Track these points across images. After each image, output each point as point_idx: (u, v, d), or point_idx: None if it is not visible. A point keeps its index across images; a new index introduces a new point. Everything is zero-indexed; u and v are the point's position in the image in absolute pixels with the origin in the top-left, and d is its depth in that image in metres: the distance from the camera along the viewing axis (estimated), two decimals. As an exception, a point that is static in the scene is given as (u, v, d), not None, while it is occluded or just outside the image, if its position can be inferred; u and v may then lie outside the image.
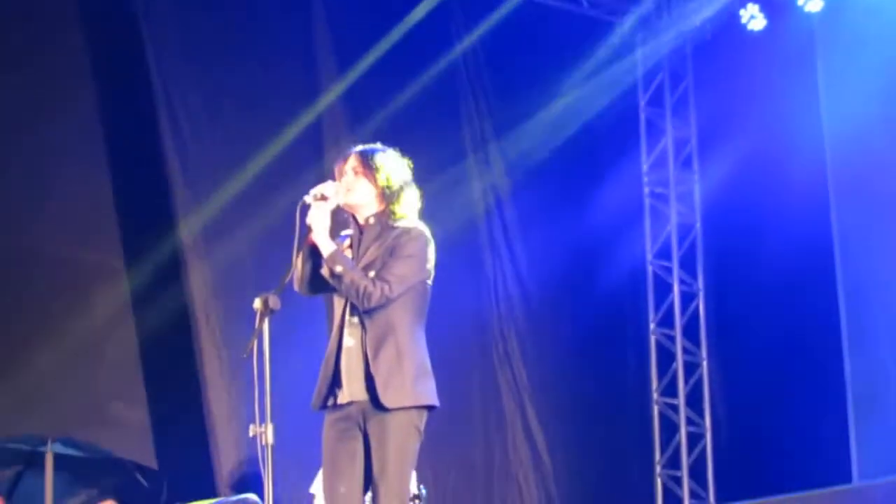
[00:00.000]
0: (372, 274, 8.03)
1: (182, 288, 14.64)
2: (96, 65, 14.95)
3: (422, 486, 10.54)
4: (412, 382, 8.05)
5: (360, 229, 8.39)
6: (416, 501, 10.02)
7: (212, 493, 11.75)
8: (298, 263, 8.27)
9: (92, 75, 14.92)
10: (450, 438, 13.94)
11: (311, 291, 8.40)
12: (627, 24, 17.13)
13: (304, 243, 8.20)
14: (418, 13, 15.68)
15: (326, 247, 8.07)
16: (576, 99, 16.69)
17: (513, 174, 16.50)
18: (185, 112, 14.99)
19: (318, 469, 8.97)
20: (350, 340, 8.15)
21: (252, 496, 8.00)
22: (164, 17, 15.05)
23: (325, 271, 8.13)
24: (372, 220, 8.33)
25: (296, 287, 8.37)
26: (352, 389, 8.07)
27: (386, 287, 7.96)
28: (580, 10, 16.80)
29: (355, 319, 8.14)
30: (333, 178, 8.46)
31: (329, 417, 8.19)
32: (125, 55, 14.96)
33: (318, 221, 8.14)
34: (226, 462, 13.54)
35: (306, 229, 8.17)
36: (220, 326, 14.07)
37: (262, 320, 8.25)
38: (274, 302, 8.24)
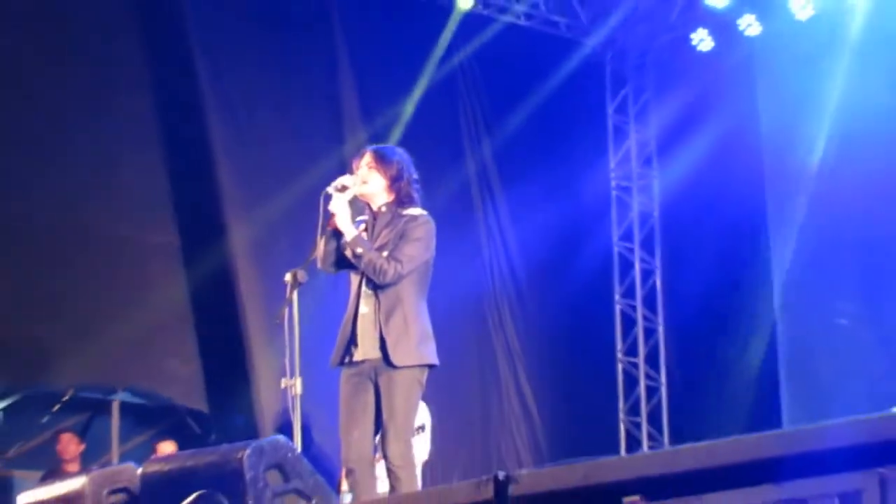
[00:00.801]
0: (385, 254, 8.16)
1: (228, 261, 14.63)
2: (154, 69, 14.91)
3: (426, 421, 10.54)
4: (416, 345, 8.21)
5: (374, 216, 8.50)
6: (420, 431, 9.95)
7: (254, 436, 11.66)
8: (322, 245, 8.38)
9: (149, 78, 14.91)
10: (453, 393, 13.99)
11: (333, 269, 8.46)
12: (598, 45, 17.06)
13: (328, 228, 8.29)
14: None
15: (349, 231, 8.21)
16: (554, 109, 16.61)
17: (503, 173, 16.62)
18: (230, 113, 15.02)
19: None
20: (365, 308, 8.24)
21: (281, 437, 7.81)
22: (216, 34, 15.07)
23: (347, 252, 8.17)
24: (384, 209, 8.45)
25: (319, 265, 8.44)
26: (365, 349, 8.20)
27: (399, 265, 8.12)
28: (558, 33, 16.71)
29: (369, 291, 8.24)
30: (351, 172, 8.50)
31: (345, 373, 8.29)
32: (179, 63, 14.87)
33: (341, 209, 8.24)
34: (266, 409, 13.49)
35: (329, 214, 8.26)
36: (261, 294, 13.96)
37: (291, 291, 8.50)
38: (301, 276, 8.50)
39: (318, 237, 8.31)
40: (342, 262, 8.33)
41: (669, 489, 5.56)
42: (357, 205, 8.46)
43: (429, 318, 8.39)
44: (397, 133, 14.44)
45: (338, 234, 8.23)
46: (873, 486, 5.05)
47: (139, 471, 7.62)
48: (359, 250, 8.08)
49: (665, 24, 16.72)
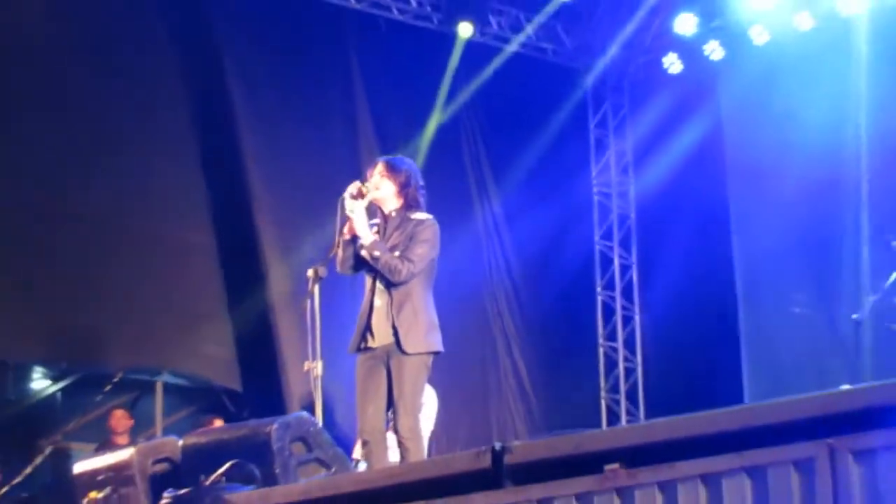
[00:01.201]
0: (396, 254, 8.20)
1: (258, 258, 14.65)
2: (192, 90, 14.90)
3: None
4: (424, 335, 8.26)
5: (385, 219, 8.47)
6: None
7: (281, 412, 11.67)
8: (340, 252, 8.42)
9: (188, 97, 14.89)
10: (457, 373, 13.92)
11: (351, 271, 8.46)
12: (581, 68, 17.05)
13: (346, 233, 8.30)
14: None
15: (366, 236, 8.22)
16: (543, 124, 16.63)
17: (499, 181, 16.57)
18: (252, 116, 14.96)
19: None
20: (378, 302, 8.26)
21: (305, 413, 7.86)
22: (246, 59, 15.05)
23: (364, 254, 8.18)
24: (394, 214, 8.45)
25: (338, 269, 8.47)
26: (380, 337, 8.20)
27: (411, 265, 8.17)
28: (546, 59, 16.73)
29: (382, 287, 8.27)
30: (365, 180, 8.47)
31: (361, 358, 8.28)
32: (214, 85, 14.90)
33: (359, 216, 8.24)
34: (292, 389, 13.49)
35: (346, 218, 8.23)
36: (287, 287, 13.90)
37: (312, 285, 8.53)
38: (322, 271, 8.52)
39: (337, 238, 8.34)
40: (359, 266, 8.33)
41: (645, 458, 5.54)
42: (370, 208, 8.50)
43: (435, 309, 8.41)
44: (409, 148, 14.43)
45: (354, 241, 8.23)
46: (824, 454, 5.05)
47: (180, 443, 7.64)
48: (376, 253, 8.11)
49: (640, 50, 16.70)
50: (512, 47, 16.46)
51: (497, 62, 16.30)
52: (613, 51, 16.70)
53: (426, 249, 8.25)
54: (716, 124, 16.15)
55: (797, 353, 14.41)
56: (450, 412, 14.38)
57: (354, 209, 8.18)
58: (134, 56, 14.42)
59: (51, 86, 13.58)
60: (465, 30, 15.57)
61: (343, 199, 8.39)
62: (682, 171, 16.25)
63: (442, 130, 15.62)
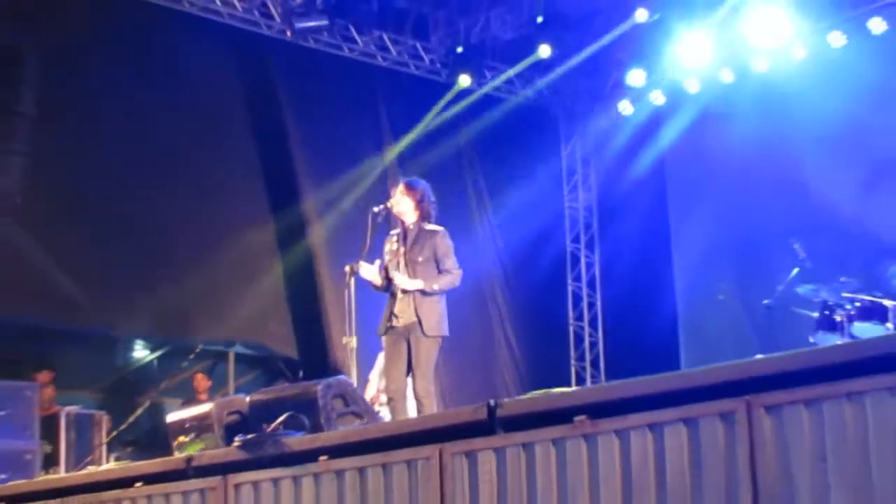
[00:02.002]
0: (422, 259, 8.37)
1: (309, 254, 14.66)
2: (255, 122, 14.90)
3: None
4: (438, 322, 8.39)
5: (405, 230, 8.52)
6: None
7: (327, 375, 11.57)
8: (380, 283, 8.57)
9: (252, 128, 14.89)
10: (462, 345, 13.73)
11: (384, 291, 8.56)
12: (555, 110, 17.12)
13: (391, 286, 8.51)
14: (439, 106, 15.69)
15: (426, 285, 8.42)
16: (527, 153, 16.64)
17: (493, 198, 16.50)
18: (304, 147, 14.97)
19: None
20: (403, 296, 8.35)
21: (343, 376, 7.83)
22: (299, 98, 15.00)
23: (426, 288, 8.40)
24: (412, 226, 8.52)
25: (374, 288, 8.62)
26: (403, 319, 8.31)
27: (457, 273, 8.60)
28: (528, 103, 16.71)
29: (410, 285, 8.36)
30: (389, 197, 8.62)
31: (387, 336, 8.40)
32: (273, 118, 14.90)
33: (401, 281, 8.43)
34: (336, 357, 13.37)
35: (374, 228, 8.46)
36: (332, 277, 13.91)
37: (349, 278, 8.52)
38: (355, 268, 8.50)
39: (367, 241, 8.37)
40: (387, 287, 8.46)
41: (605, 411, 5.54)
42: (392, 219, 8.51)
43: (446, 301, 8.52)
44: (423, 171, 14.42)
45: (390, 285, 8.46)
46: (742, 408, 5.03)
47: (247, 399, 7.63)
48: (435, 287, 8.35)
49: (600, 97, 16.57)
50: (500, 93, 16.46)
51: (490, 104, 16.31)
52: (580, 97, 16.68)
53: (453, 256, 8.45)
54: (659, 154, 16.11)
55: (721, 329, 14.41)
56: (457, 375, 14.49)
57: (402, 283, 8.33)
58: (209, 99, 14.42)
59: (142, 122, 13.60)
60: (464, 81, 15.55)
61: (372, 212, 8.44)
62: (634, 190, 16.24)
63: (448, 158, 15.61)
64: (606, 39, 15.07)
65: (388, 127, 15.67)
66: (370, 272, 8.39)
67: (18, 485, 9.07)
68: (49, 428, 11.87)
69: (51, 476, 10.59)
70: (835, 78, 13.83)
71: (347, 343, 8.59)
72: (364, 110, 15.59)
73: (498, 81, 16.27)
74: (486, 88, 16.16)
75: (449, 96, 15.68)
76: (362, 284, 8.67)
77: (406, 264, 8.28)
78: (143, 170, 13.53)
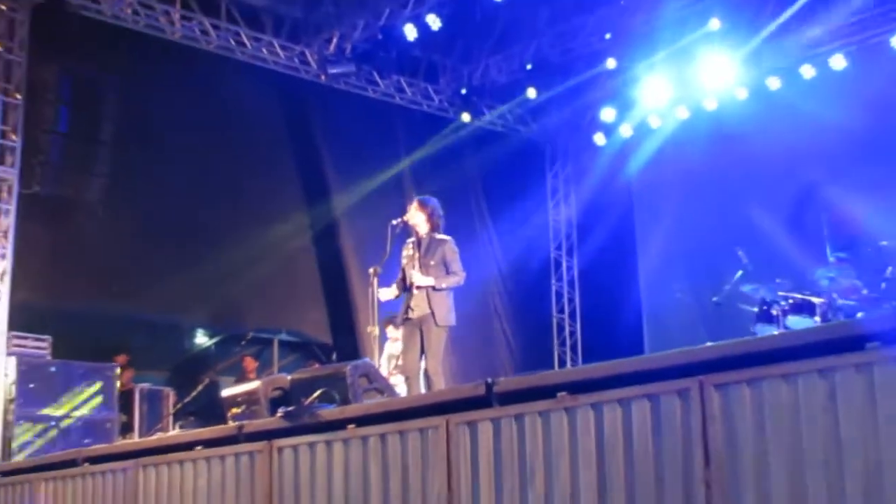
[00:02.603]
0: (433, 262, 8.34)
1: (341, 257, 14.76)
2: (296, 156, 15.01)
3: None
4: (446, 314, 8.34)
5: (419, 239, 8.50)
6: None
7: (355, 358, 11.61)
8: (398, 292, 8.56)
9: (294, 161, 15.00)
10: (467, 333, 13.71)
11: (401, 296, 8.55)
12: (541, 140, 17.15)
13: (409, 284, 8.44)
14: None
15: (436, 282, 8.36)
16: (519, 176, 16.64)
17: (492, 213, 16.55)
18: (335, 170, 15.06)
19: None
20: (418, 291, 8.30)
21: (368, 359, 7.82)
22: (333, 139, 15.07)
23: (436, 284, 8.34)
24: (424, 236, 8.50)
25: (394, 294, 8.58)
26: (417, 311, 8.27)
27: (461, 275, 8.49)
28: (519, 134, 16.88)
29: (422, 282, 8.32)
30: (405, 211, 8.59)
31: (404, 326, 8.38)
32: (312, 154, 14.97)
33: (418, 279, 8.35)
34: (362, 343, 13.33)
35: (394, 238, 8.40)
36: (359, 277, 13.97)
37: (372, 278, 8.45)
38: (378, 270, 8.46)
39: (387, 248, 8.38)
40: (403, 289, 8.44)
41: (582, 388, 5.53)
42: (407, 229, 8.51)
43: (453, 296, 8.49)
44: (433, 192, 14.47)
45: (409, 288, 8.39)
46: (696, 386, 5.02)
47: (289, 378, 7.63)
48: (444, 285, 8.29)
49: (578, 130, 16.62)
50: (497, 127, 16.49)
51: (488, 137, 16.39)
52: (562, 129, 16.69)
53: (458, 261, 8.41)
54: (627, 177, 16.12)
55: (678, 321, 14.36)
56: (462, 358, 14.45)
57: (417, 280, 8.31)
58: (256, 130, 14.54)
59: (201, 149, 13.71)
60: (466, 117, 15.59)
61: (391, 224, 8.46)
62: (605, 207, 16.21)
63: (454, 180, 15.58)
64: (582, 77, 15.18)
65: (404, 154, 15.70)
66: (387, 294, 8.46)
67: (100, 448, 9.10)
68: (126, 401, 11.90)
69: (126, 441, 10.61)
70: (771, 114, 13.88)
71: (371, 331, 8.59)
72: (385, 141, 15.62)
73: (494, 117, 16.35)
74: (484, 123, 16.23)
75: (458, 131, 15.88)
76: (383, 283, 8.67)
77: (420, 266, 8.28)
78: (203, 189, 13.59)
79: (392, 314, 9.53)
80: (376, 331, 8.48)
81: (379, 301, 8.47)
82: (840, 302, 10.10)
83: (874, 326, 4.76)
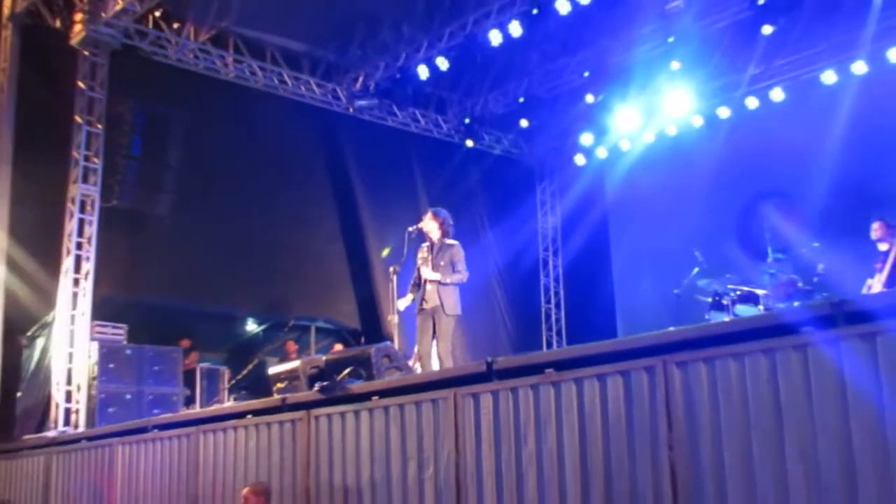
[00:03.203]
0: (443, 263, 8.25)
1: (367, 259, 14.61)
2: (332, 182, 14.93)
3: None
4: (454, 305, 8.30)
5: (431, 244, 8.46)
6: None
7: (379, 341, 11.52)
8: (412, 295, 8.47)
9: (329, 188, 14.91)
10: (473, 321, 13.62)
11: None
12: (532, 160, 17.00)
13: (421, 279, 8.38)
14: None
15: (443, 278, 8.28)
16: (513, 191, 16.60)
17: (491, 221, 16.34)
18: (361, 186, 14.95)
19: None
20: (429, 285, 8.27)
21: (389, 342, 7.80)
22: (363, 169, 15.04)
23: (443, 280, 8.24)
24: (436, 241, 8.51)
25: (410, 291, 8.51)
26: (429, 302, 8.24)
27: (464, 273, 8.39)
28: (512, 156, 16.72)
29: (432, 277, 8.28)
30: (420, 220, 8.57)
31: (419, 315, 8.31)
32: (343, 181, 14.95)
33: (427, 273, 8.29)
34: (386, 329, 13.16)
35: (411, 243, 8.39)
36: (383, 273, 13.72)
37: (392, 275, 8.49)
38: (397, 269, 8.50)
39: (405, 251, 8.38)
40: (417, 285, 8.40)
41: (566, 365, 5.52)
42: (422, 236, 8.50)
43: (459, 292, 8.44)
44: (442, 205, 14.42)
45: (422, 284, 8.34)
46: (660, 364, 5.00)
47: (324, 359, 7.64)
48: (448, 280, 8.21)
49: (563, 152, 16.48)
50: (494, 150, 16.43)
51: (488, 159, 16.32)
52: (549, 151, 16.63)
53: (463, 262, 8.33)
54: (602, 191, 16.07)
55: (645, 309, 14.23)
56: (468, 341, 14.36)
57: (426, 274, 8.28)
58: (296, 154, 14.51)
59: (251, 170, 13.70)
60: (469, 143, 15.55)
61: (408, 231, 8.46)
62: (584, 216, 16.04)
63: (461, 194, 15.52)
64: (565, 109, 15.13)
65: (418, 173, 15.64)
66: (404, 303, 8.42)
67: (166, 416, 9.11)
68: (189, 378, 11.91)
69: (189, 411, 10.62)
70: (722, 138, 13.87)
71: (391, 320, 8.58)
72: (402, 162, 15.55)
73: (492, 142, 16.32)
74: (484, 147, 16.20)
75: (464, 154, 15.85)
76: (403, 280, 8.66)
77: (432, 266, 8.27)
78: (251, 203, 13.57)
79: None
80: (396, 319, 8.47)
81: (394, 294, 8.47)
82: (780, 293, 10.10)
83: (808, 314, 4.75)
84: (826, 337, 4.43)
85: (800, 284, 10.03)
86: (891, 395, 4.18)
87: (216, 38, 13.28)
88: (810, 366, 4.46)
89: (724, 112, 13.93)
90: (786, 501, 4.41)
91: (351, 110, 14.63)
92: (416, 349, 8.72)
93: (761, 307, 9.96)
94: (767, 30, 11.70)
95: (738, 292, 10.27)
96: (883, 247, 8.99)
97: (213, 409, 9.50)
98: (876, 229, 9.06)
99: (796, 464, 4.42)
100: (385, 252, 8.56)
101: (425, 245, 8.46)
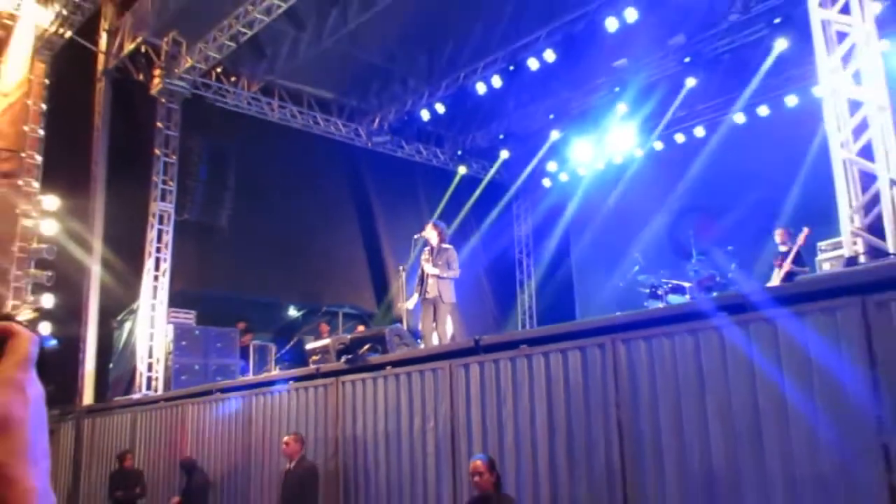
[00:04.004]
0: (441, 263, 8.04)
1: (382, 259, 14.47)
2: (354, 197, 14.77)
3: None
4: (450, 295, 8.11)
5: (432, 248, 8.29)
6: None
7: (392, 323, 11.53)
8: (417, 297, 8.11)
9: (352, 203, 14.72)
10: (465, 308, 13.22)
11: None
12: (510, 183, 16.78)
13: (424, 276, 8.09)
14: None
15: (440, 272, 7.94)
16: (494, 206, 16.48)
17: (479, 229, 15.99)
18: (378, 202, 14.77)
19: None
20: (431, 279, 8.08)
21: (399, 324, 7.76)
22: (379, 189, 14.87)
23: (441, 275, 7.95)
24: (436, 245, 8.31)
25: (416, 299, 8.26)
26: (431, 293, 8.05)
27: (457, 270, 8.10)
28: (497, 181, 16.49)
29: (432, 271, 8.10)
30: (423, 229, 8.43)
31: (423, 303, 8.15)
32: (363, 198, 14.79)
33: (429, 269, 8.01)
34: (399, 314, 13.16)
35: (418, 250, 8.32)
36: (395, 269, 13.82)
37: (402, 273, 8.54)
38: (405, 268, 8.54)
39: (411, 254, 8.30)
40: (421, 281, 8.15)
41: (536, 342, 5.52)
42: (424, 241, 8.44)
43: (454, 285, 8.27)
44: (444, 220, 14.33)
45: (425, 280, 8.07)
46: (610, 341, 5.00)
47: (349, 337, 7.62)
48: (445, 275, 7.99)
49: (533, 176, 16.18)
50: (482, 176, 16.24)
51: (476, 182, 16.07)
52: (522, 176, 16.52)
53: (457, 262, 8.12)
54: (564, 207, 15.87)
55: (597, 298, 14.16)
56: (462, 323, 14.21)
57: (428, 270, 8.03)
58: (325, 181, 14.37)
59: (292, 193, 13.56)
60: (462, 169, 15.53)
61: (415, 238, 8.38)
62: (550, 226, 15.87)
63: (455, 210, 15.41)
64: (535, 143, 15.03)
65: (422, 193, 15.50)
66: (411, 303, 8.24)
67: (226, 382, 9.08)
68: (244, 352, 11.87)
69: (244, 378, 10.59)
70: (656, 165, 13.84)
71: (401, 307, 8.51)
72: (409, 185, 15.42)
73: (479, 169, 16.21)
74: (473, 173, 16.10)
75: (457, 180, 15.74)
76: (410, 276, 8.61)
77: (433, 264, 8.19)
78: (292, 216, 13.46)
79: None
80: (404, 306, 8.40)
81: (407, 289, 8.39)
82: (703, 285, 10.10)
83: (724, 302, 4.76)
84: (737, 320, 4.44)
85: (717, 279, 10.03)
86: (787, 365, 4.19)
87: (264, 88, 13.31)
88: (725, 342, 4.47)
89: (658, 145, 13.92)
90: (707, 446, 4.42)
91: (369, 144, 14.62)
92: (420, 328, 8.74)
93: (688, 296, 9.95)
94: (691, 82, 11.85)
95: (670, 285, 10.25)
96: (784, 248, 9.01)
97: (263, 376, 9.49)
98: (779, 234, 9.08)
99: (714, 417, 4.43)
100: (411, 303, 8.29)
101: (427, 248, 8.41)
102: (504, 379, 5.64)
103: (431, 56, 13.38)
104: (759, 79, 11.50)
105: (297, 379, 7.54)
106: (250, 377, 10.56)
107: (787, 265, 8.65)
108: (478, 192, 16.23)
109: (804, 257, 8.70)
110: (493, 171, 16.29)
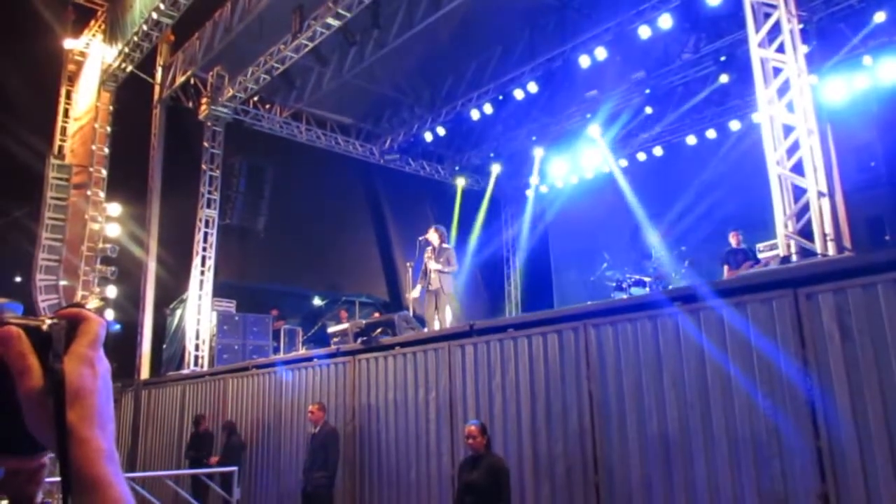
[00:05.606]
0: (442, 260, 7.92)
1: (391, 253, 14.42)
2: (370, 206, 14.76)
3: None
4: (450, 287, 8.01)
5: (434, 248, 8.18)
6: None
7: (400, 310, 11.45)
8: (420, 286, 7.81)
9: (369, 212, 14.71)
10: (464, 298, 13.34)
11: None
12: (500, 196, 16.73)
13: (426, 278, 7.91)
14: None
15: (442, 268, 7.75)
16: (488, 215, 16.36)
17: (474, 234, 16.00)
18: (389, 210, 14.78)
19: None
20: (433, 273, 7.98)
21: (407, 311, 7.71)
22: (390, 199, 14.79)
23: (447, 270, 7.78)
24: (437, 246, 8.21)
25: (420, 281, 8.08)
26: (433, 285, 7.92)
27: (456, 266, 8.00)
28: (489, 193, 16.42)
29: (436, 266, 8.00)
30: (426, 232, 8.33)
31: (427, 294, 8.03)
32: (376, 207, 14.74)
33: (432, 265, 7.81)
34: (406, 302, 13.11)
35: (421, 249, 8.05)
36: (404, 265, 13.74)
37: (408, 267, 8.30)
38: (411, 264, 8.29)
39: (416, 253, 8.23)
40: (425, 275, 8.01)
41: (520, 327, 5.50)
42: (426, 243, 8.40)
43: (453, 278, 8.20)
44: (444, 224, 14.24)
45: (427, 273, 7.85)
46: (582, 326, 4.99)
47: (364, 322, 7.59)
48: (446, 269, 7.87)
49: (518, 189, 16.19)
50: (476, 188, 16.13)
51: (472, 194, 15.97)
52: (510, 190, 16.43)
53: (455, 259, 8.03)
54: (544, 214, 15.79)
55: (572, 289, 14.15)
56: (462, 310, 14.16)
57: (431, 266, 7.86)
58: (345, 194, 14.32)
59: (317, 203, 13.50)
60: (461, 183, 15.50)
61: (419, 240, 8.30)
62: (532, 230, 15.78)
63: (453, 217, 15.40)
64: (520, 160, 14.93)
65: (426, 202, 15.42)
66: (415, 293, 8.05)
67: (262, 360, 9.06)
68: (276, 335, 11.84)
69: (276, 356, 10.57)
70: (625, 179, 13.80)
71: (409, 296, 8.34)
72: (416, 195, 15.35)
73: (474, 182, 16.10)
74: (469, 185, 15.96)
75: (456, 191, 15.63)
76: (415, 271, 8.56)
77: (435, 261, 8.14)
78: (317, 222, 13.46)
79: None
80: (410, 295, 8.35)
81: (413, 282, 8.35)
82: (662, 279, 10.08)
83: (679, 293, 4.75)
84: (688, 309, 4.44)
85: (673, 275, 10.02)
86: (731, 346, 4.19)
87: (294, 114, 13.27)
88: (679, 327, 4.46)
89: (623, 163, 13.88)
90: (663, 412, 4.41)
91: (382, 161, 14.56)
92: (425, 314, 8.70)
93: (647, 289, 9.95)
94: (649, 110, 11.87)
95: (633, 279, 10.25)
96: (735, 245, 9.00)
97: (293, 355, 9.47)
98: (733, 236, 9.07)
99: (669, 389, 4.43)
100: (416, 293, 8.11)
101: (430, 248, 8.38)
102: (494, 357, 5.64)
103: (434, 88, 13.40)
104: (696, 101, 11.59)
105: (321, 357, 7.53)
106: (281, 355, 10.56)
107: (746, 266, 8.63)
108: (472, 201, 16.18)
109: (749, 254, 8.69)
110: (491, 184, 16.13)
